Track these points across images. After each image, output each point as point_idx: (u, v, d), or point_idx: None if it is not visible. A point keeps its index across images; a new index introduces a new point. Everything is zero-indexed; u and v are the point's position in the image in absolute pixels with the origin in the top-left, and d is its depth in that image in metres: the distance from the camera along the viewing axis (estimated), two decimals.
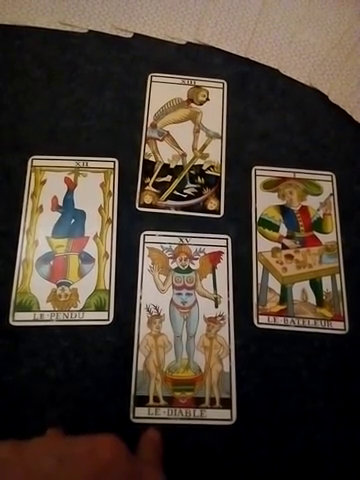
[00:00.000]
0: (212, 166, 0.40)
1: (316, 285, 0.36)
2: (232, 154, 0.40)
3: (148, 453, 0.27)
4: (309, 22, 0.45)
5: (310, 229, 0.38)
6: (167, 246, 0.37)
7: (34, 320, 0.34)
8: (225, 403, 0.32)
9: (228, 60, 0.43)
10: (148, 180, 0.39)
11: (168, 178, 0.39)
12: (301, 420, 0.33)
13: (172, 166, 0.39)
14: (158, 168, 0.39)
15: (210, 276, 0.36)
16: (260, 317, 0.35)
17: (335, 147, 0.41)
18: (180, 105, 0.42)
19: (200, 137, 0.41)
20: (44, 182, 0.38)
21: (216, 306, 0.35)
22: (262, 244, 0.37)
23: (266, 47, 0.44)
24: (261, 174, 0.40)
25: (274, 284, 0.36)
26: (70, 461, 0.22)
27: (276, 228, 0.38)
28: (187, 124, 0.41)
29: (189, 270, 0.36)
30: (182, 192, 0.39)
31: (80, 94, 0.41)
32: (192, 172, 0.39)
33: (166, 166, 0.39)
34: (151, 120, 0.41)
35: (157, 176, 0.39)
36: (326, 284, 0.36)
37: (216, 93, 0.42)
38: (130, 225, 0.37)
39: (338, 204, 0.39)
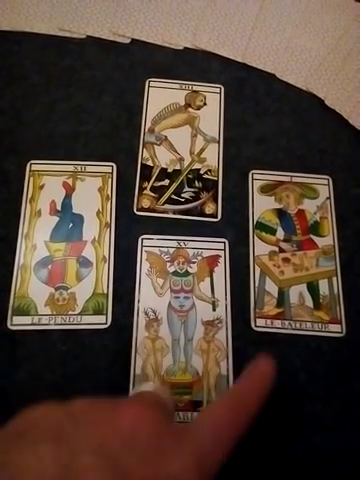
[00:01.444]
0: (209, 170, 0.40)
1: (313, 288, 0.36)
2: (229, 158, 0.40)
3: (226, 409, 0.21)
4: (305, 27, 0.45)
5: (307, 232, 0.38)
6: (165, 250, 0.37)
7: (32, 324, 0.34)
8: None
9: (225, 65, 0.44)
10: (146, 184, 0.39)
11: (166, 182, 0.39)
12: (299, 423, 0.33)
13: (170, 170, 0.40)
14: (156, 172, 0.39)
15: (208, 279, 0.36)
16: (257, 320, 0.35)
17: (332, 151, 0.41)
18: (178, 110, 0.42)
19: (197, 141, 0.41)
20: (42, 186, 0.38)
21: (214, 309, 0.35)
22: (259, 247, 0.37)
23: (263, 52, 0.44)
24: (258, 178, 0.40)
25: (271, 287, 0.36)
26: (83, 424, 0.19)
27: (273, 231, 0.38)
28: (185, 129, 0.41)
29: (187, 274, 0.36)
30: (180, 196, 0.39)
31: (78, 99, 0.42)
32: (190, 176, 0.40)
33: (164, 170, 0.40)
34: (149, 125, 0.41)
35: (155, 180, 0.39)
36: (323, 287, 0.36)
37: (213, 98, 0.42)
38: (128, 229, 0.37)
39: (335, 208, 0.39)
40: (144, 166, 0.40)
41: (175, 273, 0.36)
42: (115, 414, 0.19)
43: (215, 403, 0.22)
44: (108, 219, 0.37)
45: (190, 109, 0.42)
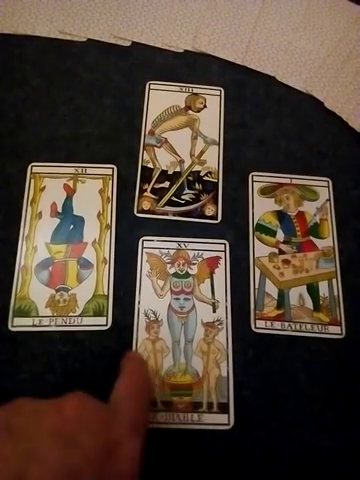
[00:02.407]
0: (210, 172, 0.40)
1: (313, 290, 0.36)
2: (229, 160, 0.40)
3: (125, 387, 0.27)
4: (305, 30, 0.45)
5: (307, 234, 0.38)
6: (165, 251, 0.37)
7: (33, 325, 0.34)
8: (223, 408, 0.32)
9: (225, 68, 0.44)
10: (146, 186, 0.39)
11: (166, 184, 0.39)
12: (299, 424, 0.33)
13: (170, 172, 0.40)
14: (156, 174, 0.40)
15: (208, 281, 0.36)
16: (257, 322, 0.35)
17: (331, 153, 0.41)
18: (178, 112, 0.42)
19: (198, 144, 0.41)
20: (43, 188, 0.38)
21: (214, 311, 0.35)
22: (259, 249, 0.37)
23: (263, 55, 0.44)
24: (258, 180, 0.40)
25: (271, 289, 0.36)
26: (29, 415, 0.21)
27: (273, 233, 0.38)
28: (185, 131, 0.41)
29: (187, 275, 0.36)
30: (180, 198, 0.39)
31: (79, 102, 0.42)
32: (190, 178, 0.40)
33: (164, 172, 0.40)
34: (149, 127, 0.41)
35: (155, 182, 0.39)
36: (323, 289, 0.36)
37: (213, 100, 0.43)
38: (128, 231, 0.38)
39: (334, 209, 0.39)
40: (144, 168, 0.40)
41: (175, 274, 0.36)
42: (59, 406, 0.22)
43: (118, 380, 0.28)
44: (109, 221, 0.38)
45: (190, 111, 0.42)
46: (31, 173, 0.39)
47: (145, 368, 0.31)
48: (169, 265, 0.37)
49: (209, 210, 0.39)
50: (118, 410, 0.25)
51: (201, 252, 0.37)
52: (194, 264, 0.37)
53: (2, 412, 0.22)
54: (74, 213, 0.38)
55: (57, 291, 0.35)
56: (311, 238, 0.38)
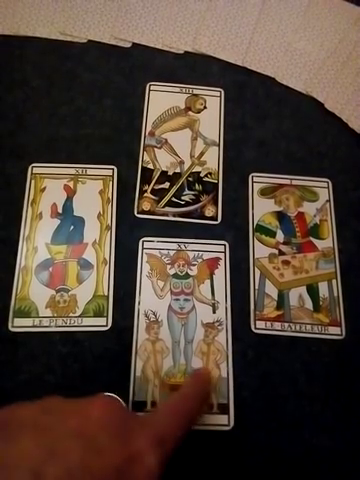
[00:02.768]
0: (210, 173, 0.40)
1: (313, 291, 0.36)
2: (229, 161, 0.41)
3: (171, 401, 0.27)
4: (305, 31, 0.45)
5: (307, 235, 0.38)
6: (165, 252, 0.37)
7: (33, 326, 0.34)
8: (223, 408, 0.33)
9: (225, 69, 0.44)
10: (146, 187, 0.39)
11: (166, 185, 0.39)
12: (298, 425, 0.33)
13: (170, 173, 0.40)
14: (156, 175, 0.40)
15: (208, 282, 0.36)
16: (257, 322, 0.35)
17: (331, 154, 0.41)
18: (178, 113, 0.42)
19: (198, 144, 0.41)
20: (44, 189, 0.38)
21: (214, 312, 0.35)
22: (259, 250, 0.38)
23: (263, 56, 0.44)
24: (258, 181, 0.40)
25: (271, 290, 0.36)
26: (57, 414, 0.22)
27: (273, 234, 0.38)
28: (185, 132, 0.42)
29: (187, 276, 0.36)
30: (180, 199, 0.39)
31: (79, 102, 0.42)
32: (190, 179, 0.40)
33: (164, 173, 0.40)
34: (149, 128, 0.41)
35: (155, 183, 0.39)
36: (323, 289, 0.37)
37: (213, 101, 0.43)
38: (129, 232, 0.38)
39: (334, 210, 0.39)
40: (145, 169, 0.40)
41: (175, 275, 0.36)
42: (85, 406, 0.23)
43: (168, 399, 0.28)
44: (109, 222, 0.38)
45: (190, 112, 0.42)
46: (31, 174, 0.39)
47: (203, 389, 0.31)
48: (169, 266, 0.37)
49: (209, 211, 0.39)
50: (150, 421, 0.25)
51: (201, 253, 0.37)
52: (194, 265, 0.37)
53: (32, 409, 0.22)
54: (74, 214, 0.38)
55: (57, 292, 0.35)
56: (311, 239, 0.38)
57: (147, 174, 0.40)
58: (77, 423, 0.21)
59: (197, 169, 0.40)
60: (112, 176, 0.39)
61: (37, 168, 0.39)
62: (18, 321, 0.34)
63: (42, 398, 0.23)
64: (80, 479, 0.19)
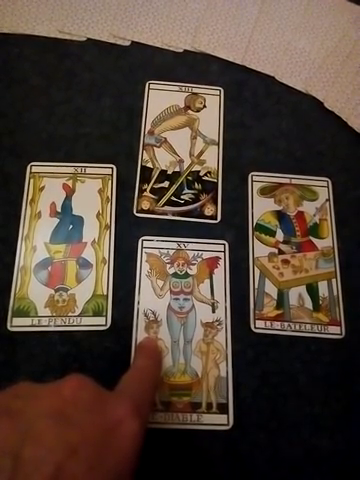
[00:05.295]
0: (209, 172, 0.40)
1: (312, 290, 0.36)
2: (229, 160, 0.40)
3: (133, 369, 0.28)
4: (305, 30, 0.45)
5: (306, 234, 0.38)
6: (165, 251, 0.37)
7: (32, 325, 0.34)
8: (222, 408, 0.32)
9: (225, 67, 0.44)
10: (146, 186, 0.39)
11: (165, 184, 0.39)
12: (298, 425, 0.33)
13: (169, 172, 0.40)
14: (155, 174, 0.40)
15: (207, 281, 0.36)
16: (257, 322, 0.35)
17: (331, 153, 0.41)
18: (177, 112, 0.42)
19: (197, 143, 0.41)
20: (42, 188, 0.38)
21: (213, 311, 0.35)
22: (259, 249, 0.37)
23: (262, 55, 0.44)
24: (258, 180, 0.40)
25: (271, 289, 0.36)
26: (28, 398, 0.22)
27: (273, 233, 0.38)
28: (184, 131, 0.41)
29: (186, 275, 0.36)
30: (179, 198, 0.39)
31: (78, 101, 0.42)
32: (189, 178, 0.40)
33: (163, 172, 0.40)
34: (149, 127, 0.41)
35: (154, 182, 0.39)
36: (322, 289, 0.36)
37: (213, 100, 0.43)
38: (128, 231, 0.37)
39: (334, 209, 0.39)
40: (144, 168, 0.40)
41: (175, 275, 0.36)
42: (56, 387, 0.23)
43: (128, 374, 0.28)
44: (108, 221, 0.37)
45: (190, 111, 0.42)
46: (30, 173, 0.38)
47: (156, 353, 0.32)
48: (169, 265, 0.36)
49: (208, 210, 0.39)
50: (122, 391, 0.25)
51: (201, 252, 0.37)
52: (193, 264, 0.37)
53: (2, 395, 0.22)
54: (73, 213, 0.38)
55: (56, 291, 0.35)
56: (310, 238, 0.38)
57: (146, 173, 0.40)
58: (49, 403, 0.21)
59: (197, 168, 0.40)
60: (111, 175, 0.39)
61: (36, 167, 0.39)
62: (17, 321, 0.34)
63: (11, 385, 0.23)
64: (59, 456, 0.19)
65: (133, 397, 0.25)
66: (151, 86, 0.43)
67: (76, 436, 0.20)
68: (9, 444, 0.19)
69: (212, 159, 0.40)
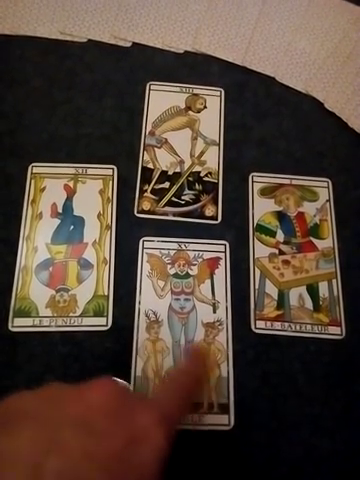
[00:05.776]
0: (210, 173, 0.40)
1: (313, 290, 0.36)
2: (229, 161, 0.41)
3: (170, 379, 0.28)
4: (305, 31, 0.45)
5: (307, 235, 0.38)
6: (166, 252, 0.37)
7: (33, 326, 0.34)
8: (223, 408, 0.33)
9: (225, 68, 0.44)
10: (146, 187, 0.39)
11: (166, 185, 0.39)
12: (298, 424, 0.33)
13: (170, 173, 0.40)
14: (156, 175, 0.40)
15: (208, 282, 0.36)
16: (257, 322, 0.35)
17: (331, 154, 0.41)
18: (178, 113, 0.42)
19: (198, 144, 0.41)
20: (44, 189, 0.38)
21: (214, 311, 0.35)
22: (259, 250, 0.38)
23: (263, 56, 0.44)
24: (258, 181, 0.40)
25: (271, 289, 0.36)
26: (56, 402, 0.22)
27: (273, 234, 0.38)
28: (185, 131, 0.42)
29: (187, 276, 0.36)
30: (180, 198, 0.39)
31: (79, 102, 0.42)
32: (190, 179, 0.40)
33: (164, 173, 0.40)
34: (149, 128, 0.41)
35: (155, 183, 0.39)
36: (323, 289, 0.37)
37: (213, 101, 0.43)
38: (129, 231, 0.38)
39: (334, 210, 0.39)
40: (145, 169, 0.40)
41: (176, 275, 0.36)
42: (84, 392, 0.22)
43: (166, 378, 0.29)
44: (109, 221, 0.38)
45: (190, 112, 0.42)
46: (31, 173, 0.39)
47: (199, 365, 0.32)
48: (169, 265, 0.37)
49: (209, 210, 0.39)
50: (150, 400, 0.25)
51: (201, 253, 0.37)
52: (194, 265, 0.37)
53: (31, 399, 0.22)
54: (74, 213, 0.38)
55: (57, 291, 0.35)
56: (311, 239, 0.38)
57: (147, 174, 0.40)
58: (76, 410, 0.21)
59: (197, 169, 0.40)
60: (112, 176, 0.39)
61: (37, 168, 0.39)
62: (18, 321, 0.34)
63: (41, 387, 0.23)
64: (82, 467, 0.19)
65: (163, 406, 0.24)
66: (152, 87, 0.43)
67: (100, 446, 0.20)
68: (32, 453, 0.19)
69: (213, 160, 0.40)
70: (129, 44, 0.44)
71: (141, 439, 0.21)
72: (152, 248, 0.37)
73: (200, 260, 0.37)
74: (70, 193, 0.38)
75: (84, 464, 0.19)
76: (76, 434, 0.20)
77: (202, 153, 0.41)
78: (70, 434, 0.20)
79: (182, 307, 0.35)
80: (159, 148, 0.41)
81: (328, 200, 0.40)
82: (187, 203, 0.39)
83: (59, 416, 0.21)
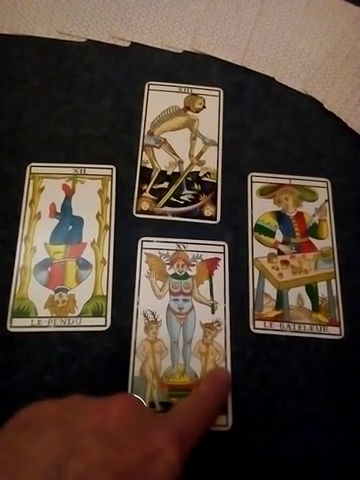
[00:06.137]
0: (208, 173, 0.40)
1: (312, 290, 0.36)
2: (228, 161, 0.41)
3: (190, 400, 0.28)
4: (304, 31, 0.45)
5: (306, 235, 0.38)
6: (164, 252, 0.37)
7: (32, 326, 0.34)
8: (221, 408, 0.32)
9: (224, 68, 0.44)
10: (145, 187, 0.39)
11: (165, 185, 0.39)
12: (297, 425, 0.33)
13: (169, 173, 0.40)
14: (155, 175, 0.40)
15: (207, 282, 0.36)
16: (256, 322, 0.35)
17: (330, 154, 0.41)
18: (177, 113, 0.42)
19: (197, 144, 0.41)
20: (42, 189, 0.38)
21: (212, 312, 0.35)
22: (258, 250, 0.37)
23: (262, 56, 0.44)
24: (257, 181, 0.40)
25: (270, 289, 0.36)
26: (79, 412, 0.23)
27: (272, 234, 0.38)
28: (184, 131, 0.42)
29: (186, 276, 0.36)
30: (179, 198, 0.39)
31: (78, 102, 0.42)
32: (189, 179, 0.40)
33: (163, 173, 0.40)
34: (148, 128, 0.41)
35: (154, 183, 0.39)
36: (322, 289, 0.36)
37: (212, 101, 0.43)
38: (127, 231, 0.38)
39: (333, 210, 0.39)
40: (143, 169, 0.40)
41: (174, 275, 0.36)
42: (106, 405, 0.23)
43: (187, 397, 0.29)
44: (108, 221, 0.38)
45: (189, 112, 0.42)
46: (30, 173, 0.39)
47: (223, 387, 0.31)
48: (168, 266, 0.37)
49: (208, 211, 0.39)
50: (168, 420, 0.25)
51: (200, 253, 0.37)
52: (193, 265, 0.37)
53: (56, 407, 0.23)
54: (73, 213, 0.38)
55: (56, 292, 0.35)
56: (310, 239, 0.38)
57: (146, 174, 0.40)
58: (98, 421, 0.22)
59: (196, 169, 0.40)
60: (111, 176, 0.39)
61: (36, 168, 0.39)
62: (16, 321, 0.34)
63: (66, 397, 0.24)
64: (99, 474, 0.20)
65: (179, 427, 0.25)
66: (151, 87, 0.43)
67: (118, 457, 0.21)
68: (54, 454, 0.20)
69: (211, 160, 0.40)
70: (128, 44, 0.44)
71: (155, 456, 0.22)
72: (151, 248, 0.37)
73: (199, 261, 0.37)
74: (69, 193, 0.38)
75: (103, 471, 0.20)
76: (96, 442, 0.21)
77: (201, 153, 0.41)
78: (90, 441, 0.21)
79: (181, 307, 0.35)
80: (158, 148, 0.41)
81: (327, 200, 0.40)
82: (186, 203, 0.39)
83: (80, 424, 0.22)
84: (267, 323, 0.35)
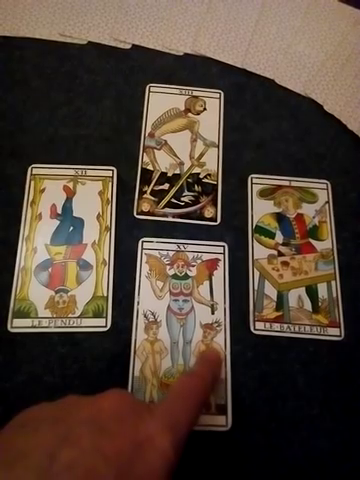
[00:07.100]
0: (209, 174, 0.40)
1: (312, 292, 0.37)
2: (229, 163, 0.41)
3: (180, 385, 0.27)
4: (304, 33, 0.46)
5: (306, 236, 0.38)
6: (165, 253, 0.37)
7: (32, 327, 0.34)
8: (220, 409, 0.33)
9: (225, 71, 0.44)
10: (146, 188, 0.39)
11: (165, 186, 0.40)
12: (297, 426, 0.33)
13: (169, 174, 0.40)
14: (156, 176, 0.40)
15: (207, 283, 0.36)
16: (256, 323, 0.35)
17: (330, 156, 0.42)
18: (178, 115, 0.42)
19: (197, 146, 0.41)
20: (43, 190, 0.38)
21: (212, 313, 0.35)
22: (258, 251, 0.38)
23: (262, 58, 0.44)
24: (257, 182, 0.40)
25: (270, 291, 0.36)
26: (71, 408, 0.23)
27: (272, 235, 0.38)
28: (184, 133, 0.42)
29: (186, 277, 0.37)
30: (179, 200, 0.39)
31: (79, 103, 0.42)
32: (189, 180, 0.40)
33: (164, 174, 0.40)
34: (149, 129, 0.41)
35: (155, 184, 0.40)
36: (322, 291, 0.37)
37: (213, 103, 0.43)
38: (128, 232, 0.38)
39: (333, 211, 0.39)
40: (144, 170, 0.40)
41: (174, 276, 0.36)
42: (98, 400, 0.24)
43: (177, 381, 0.29)
44: (108, 222, 0.38)
45: (190, 114, 0.42)
46: (31, 175, 0.39)
47: (214, 367, 0.32)
48: (168, 267, 0.37)
49: (208, 212, 0.39)
50: (160, 408, 0.25)
51: (200, 254, 0.37)
52: (193, 266, 0.37)
53: (49, 407, 0.24)
54: (74, 215, 0.38)
55: (56, 292, 0.35)
56: (310, 240, 0.38)
57: (147, 175, 0.40)
58: (89, 413, 0.23)
59: (196, 170, 0.40)
60: (112, 177, 0.39)
61: (37, 169, 0.39)
62: (17, 322, 0.34)
63: (61, 398, 0.25)
64: (91, 459, 0.20)
65: (170, 414, 0.25)
66: (151, 89, 0.43)
67: (109, 444, 0.21)
68: (47, 445, 0.21)
69: (212, 161, 0.41)
70: (129, 46, 0.44)
71: (147, 443, 0.22)
72: (151, 249, 0.37)
73: (199, 261, 0.37)
74: (70, 194, 0.38)
75: (94, 457, 0.20)
76: (88, 431, 0.22)
77: (201, 155, 0.41)
78: (82, 431, 0.22)
79: (180, 308, 0.35)
80: (158, 150, 0.41)
81: (327, 202, 0.40)
82: (186, 204, 0.39)
83: (73, 418, 0.22)
84: (267, 324, 0.35)
